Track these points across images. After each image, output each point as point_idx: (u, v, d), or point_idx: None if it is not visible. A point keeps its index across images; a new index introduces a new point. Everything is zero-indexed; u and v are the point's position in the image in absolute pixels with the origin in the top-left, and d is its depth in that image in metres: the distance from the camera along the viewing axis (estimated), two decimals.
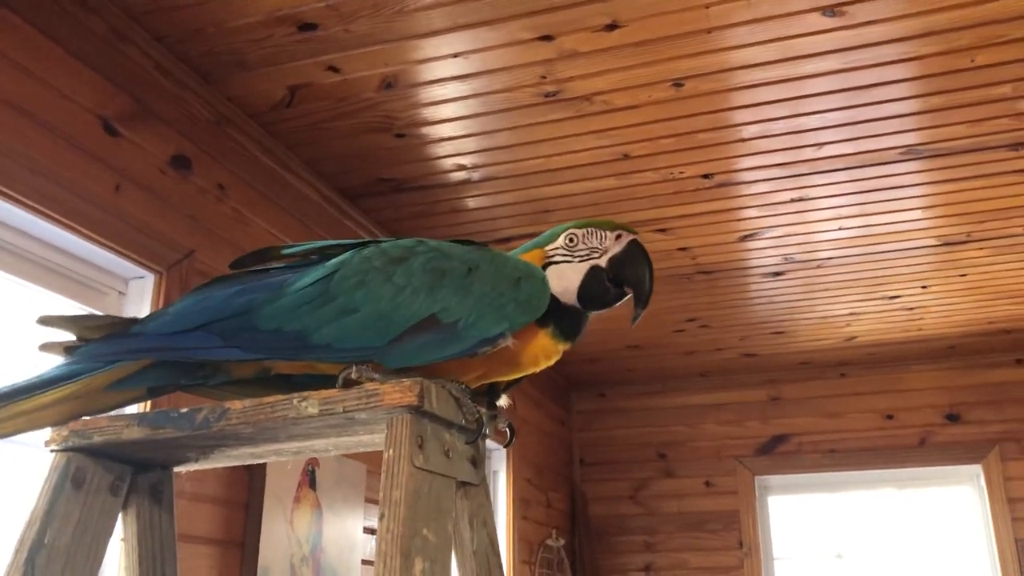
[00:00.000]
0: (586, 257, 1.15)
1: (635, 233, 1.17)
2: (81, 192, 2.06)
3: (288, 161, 2.89)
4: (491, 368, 1.10)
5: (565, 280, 1.14)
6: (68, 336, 1.14)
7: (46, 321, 1.14)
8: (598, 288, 1.14)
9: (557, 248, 1.16)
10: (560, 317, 1.13)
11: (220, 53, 2.39)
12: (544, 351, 1.12)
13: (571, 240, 1.16)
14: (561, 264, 1.15)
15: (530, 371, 1.13)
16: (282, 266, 1.17)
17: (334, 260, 1.13)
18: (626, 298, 1.16)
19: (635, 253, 1.15)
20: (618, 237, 1.16)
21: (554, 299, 1.12)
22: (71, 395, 1.09)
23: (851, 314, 4.44)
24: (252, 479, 2.58)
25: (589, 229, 1.16)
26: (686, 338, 4.80)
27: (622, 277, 1.14)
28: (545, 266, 1.15)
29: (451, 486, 0.99)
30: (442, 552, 0.93)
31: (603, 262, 1.15)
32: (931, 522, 5.13)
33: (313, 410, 0.98)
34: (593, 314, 1.17)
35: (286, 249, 1.22)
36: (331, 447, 1.12)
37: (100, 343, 1.11)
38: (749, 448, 5.40)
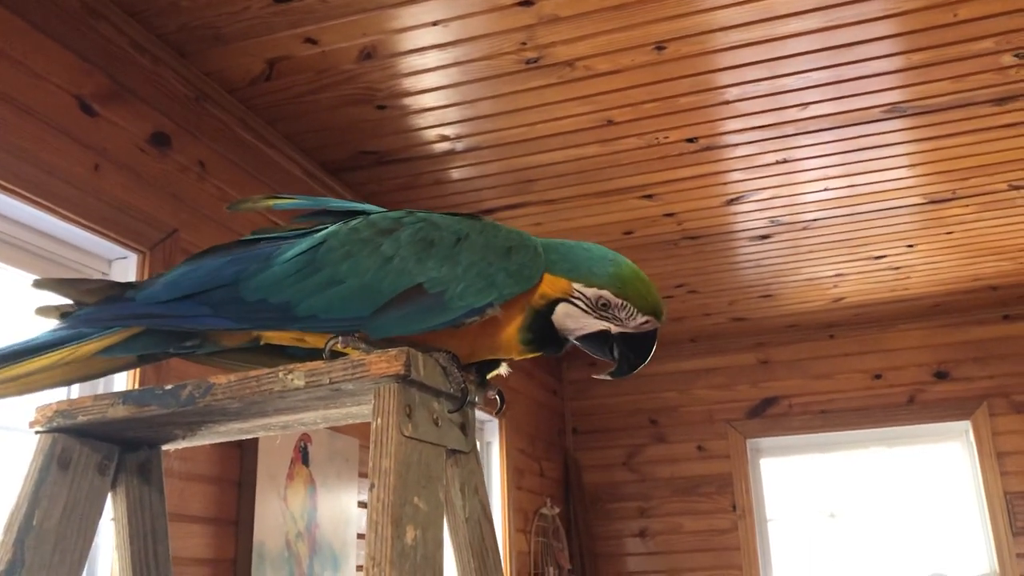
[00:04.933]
0: (604, 318, 1.09)
1: (660, 323, 1.11)
2: (60, 173, 2.03)
3: (269, 136, 2.86)
4: (476, 345, 1.09)
5: (573, 323, 1.09)
6: (63, 300, 1.14)
7: (41, 284, 1.13)
8: (596, 347, 1.10)
9: (586, 298, 1.08)
10: (545, 337, 1.10)
11: (196, 27, 2.35)
12: (515, 349, 1.10)
13: (604, 305, 1.08)
14: (577, 311, 1.08)
15: (503, 355, 1.11)
16: (274, 236, 1.16)
17: (322, 232, 1.12)
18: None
19: (646, 344, 1.11)
20: (645, 322, 1.09)
21: (550, 325, 1.09)
22: (61, 360, 1.09)
23: (838, 275, 4.45)
24: (244, 457, 2.58)
25: (625, 303, 1.08)
26: (675, 304, 4.81)
27: (619, 350, 1.10)
28: (560, 300, 1.08)
29: (441, 454, 0.99)
30: (434, 520, 0.93)
31: (614, 330, 1.09)
32: (922, 478, 5.18)
33: (299, 382, 0.97)
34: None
35: (277, 202, 1.22)
36: (319, 419, 1.11)
37: (94, 308, 1.11)
38: (740, 411, 5.44)
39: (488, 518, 1.09)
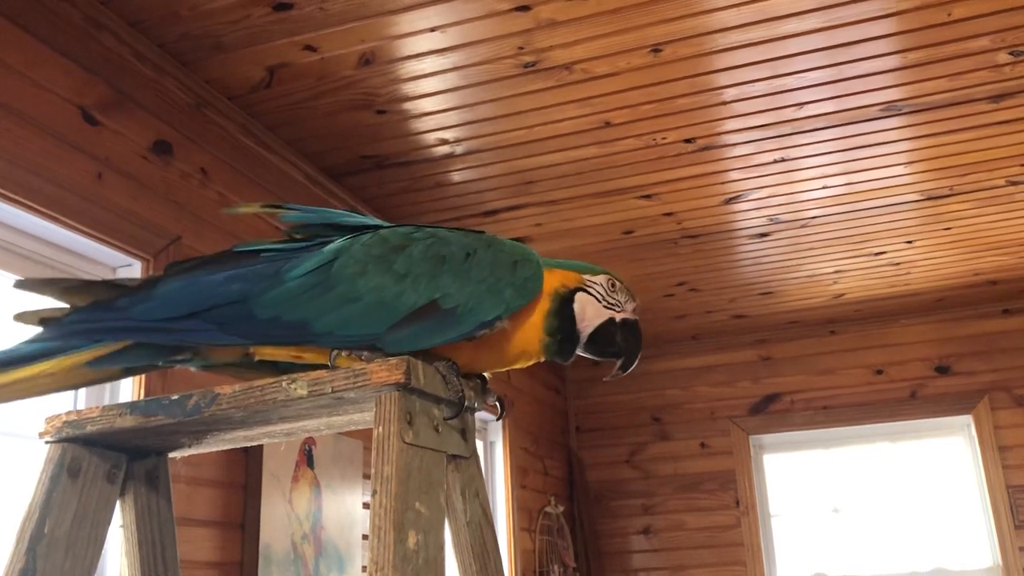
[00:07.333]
0: (610, 306, 1.19)
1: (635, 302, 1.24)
2: (63, 182, 2.06)
3: (270, 142, 2.88)
4: (482, 355, 1.12)
5: (588, 313, 1.18)
6: (45, 304, 1.11)
7: (22, 285, 1.10)
8: (607, 339, 1.19)
9: (597, 283, 1.20)
10: (567, 336, 1.17)
11: (196, 36, 2.38)
12: (532, 344, 1.15)
13: (612, 285, 1.20)
14: (593, 297, 1.19)
15: (512, 364, 1.16)
16: (275, 249, 1.15)
17: (331, 247, 1.12)
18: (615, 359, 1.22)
19: (638, 330, 1.22)
20: (634, 308, 1.22)
21: (571, 319, 1.16)
22: (45, 371, 1.08)
23: (838, 272, 4.47)
24: (249, 461, 2.60)
25: (621, 285, 1.22)
26: (676, 302, 4.83)
27: (624, 339, 1.20)
28: (578, 290, 1.18)
29: (442, 460, 1.01)
30: (435, 524, 0.95)
31: (618, 318, 1.19)
32: (924, 473, 5.20)
33: (302, 391, 0.99)
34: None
35: (284, 213, 1.21)
36: (323, 427, 1.14)
37: (83, 315, 1.08)
38: (742, 408, 5.45)
39: (489, 521, 1.11)
